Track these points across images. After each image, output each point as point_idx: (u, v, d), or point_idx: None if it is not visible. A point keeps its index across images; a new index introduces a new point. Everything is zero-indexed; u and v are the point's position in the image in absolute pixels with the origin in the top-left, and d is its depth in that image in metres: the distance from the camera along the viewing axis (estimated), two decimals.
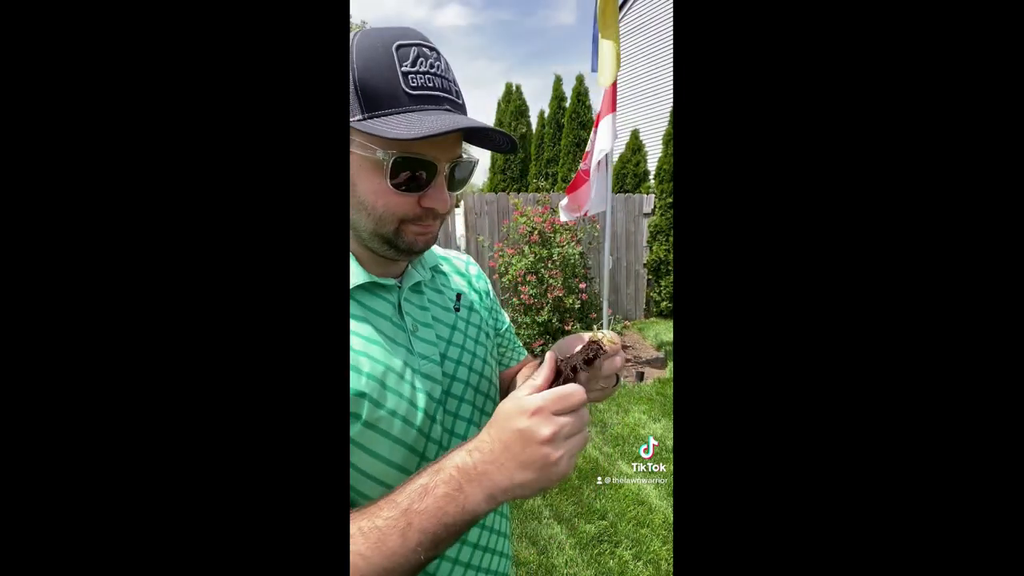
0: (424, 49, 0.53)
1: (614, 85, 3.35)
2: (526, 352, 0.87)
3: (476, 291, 0.78)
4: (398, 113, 0.51)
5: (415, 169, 0.53)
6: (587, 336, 0.57)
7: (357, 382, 0.54)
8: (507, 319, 0.85)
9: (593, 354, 0.53)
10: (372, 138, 0.52)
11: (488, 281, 0.83)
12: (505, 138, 0.58)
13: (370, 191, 0.54)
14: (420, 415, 0.58)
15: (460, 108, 0.56)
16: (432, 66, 0.53)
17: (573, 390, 0.47)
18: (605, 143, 3.34)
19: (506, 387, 0.82)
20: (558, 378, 0.51)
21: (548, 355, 0.52)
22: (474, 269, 0.81)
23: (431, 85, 0.52)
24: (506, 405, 0.48)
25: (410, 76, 0.51)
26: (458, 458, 0.47)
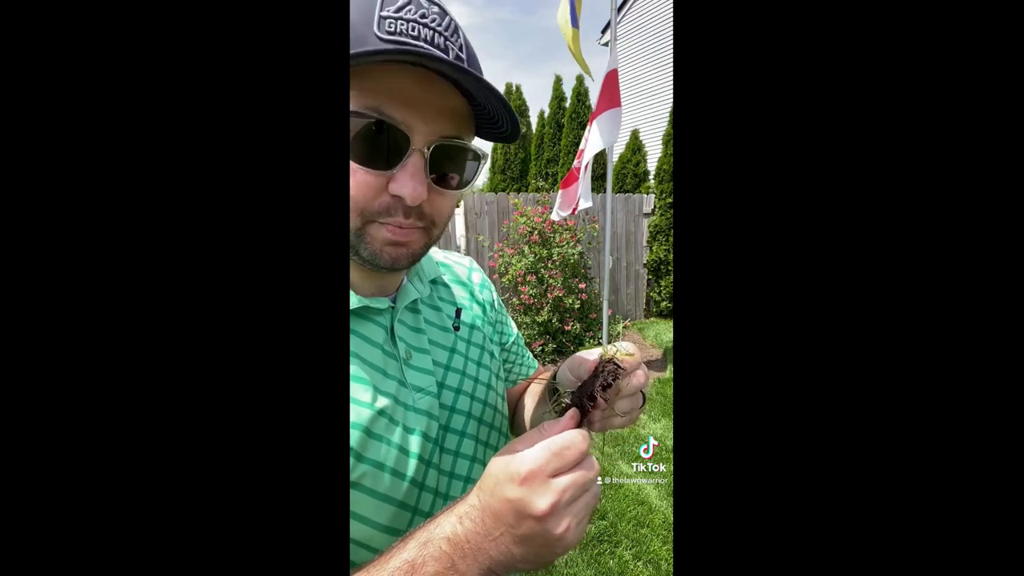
0: (421, 0, 0.43)
1: (615, 77, 3.30)
2: (536, 363, 0.76)
3: (479, 303, 0.67)
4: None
5: (375, 134, 0.41)
6: (597, 353, 0.46)
7: None
8: (514, 329, 0.73)
9: (611, 376, 0.44)
10: None
11: (493, 289, 0.72)
12: (503, 108, 0.45)
13: None
14: (413, 462, 0.49)
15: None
16: (423, 16, 0.42)
17: (571, 440, 0.38)
18: (606, 138, 3.31)
19: (514, 405, 0.71)
20: (581, 416, 0.43)
21: (572, 411, 0.42)
22: (477, 277, 0.70)
23: (413, 34, 0.41)
24: (495, 464, 0.39)
25: (387, 21, 0.40)
26: (448, 527, 0.39)
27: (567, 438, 0.39)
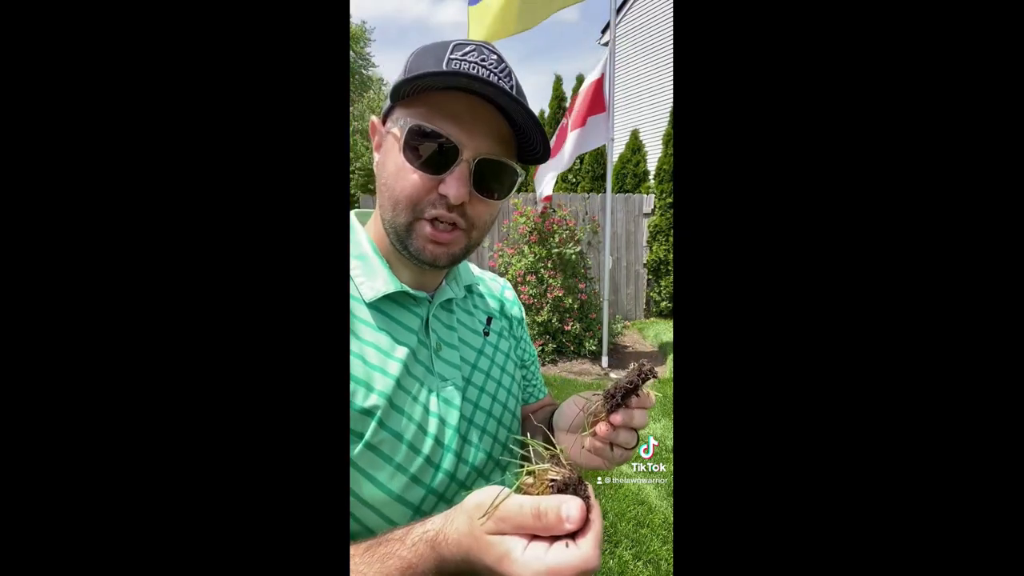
0: (485, 49, 0.53)
1: (601, 85, 3.37)
2: (546, 390, 0.81)
3: (508, 317, 0.74)
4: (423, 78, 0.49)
5: (432, 145, 0.51)
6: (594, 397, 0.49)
7: (366, 398, 0.50)
8: (535, 351, 0.80)
9: (643, 378, 0.46)
10: (401, 109, 0.52)
11: (522, 308, 0.79)
12: (538, 133, 0.54)
13: (393, 170, 0.52)
14: (430, 442, 0.54)
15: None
16: (483, 60, 0.51)
17: (571, 566, 0.32)
18: (592, 143, 3.39)
19: (519, 425, 0.74)
20: (611, 404, 0.47)
21: (577, 503, 0.35)
22: (510, 294, 0.77)
23: (474, 72, 0.49)
24: (473, 545, 0.36)
25: (453, 61, 0.50)
26: (438, 553, 0.39)
27: (573, 564, 0.33)
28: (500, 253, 4.77)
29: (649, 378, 0.47)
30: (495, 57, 0.53)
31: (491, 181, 0.54)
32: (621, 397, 0.47)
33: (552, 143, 3.65)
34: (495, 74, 0.51)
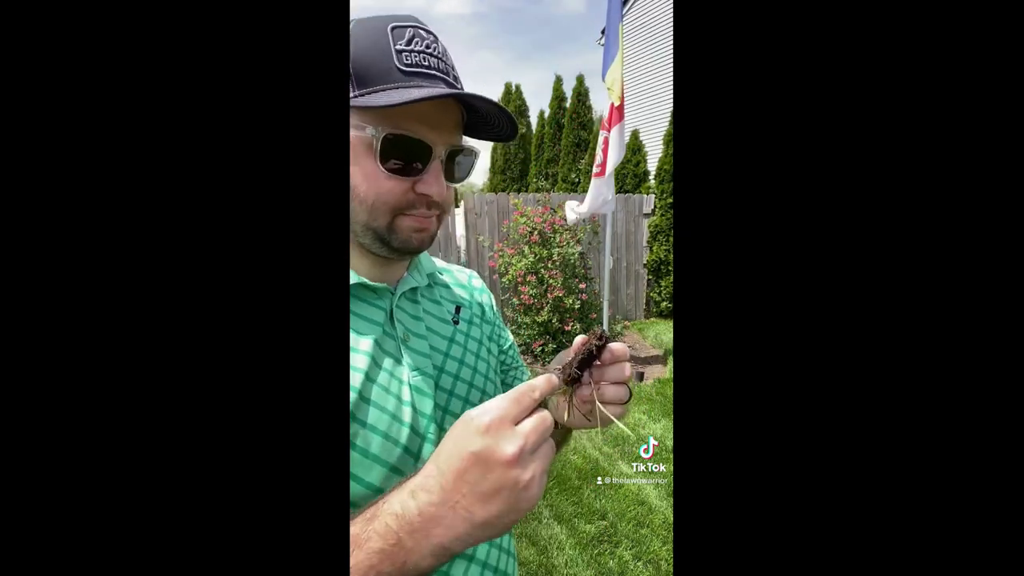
0: (420, 31, 0.52)
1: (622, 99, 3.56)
2: (529, 373, 0.80)
3: (479, 304, 0.74)
4: (390, 88, 0.49)
5: (407, 149, 0.51)
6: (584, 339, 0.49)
7: None
8: (511, 337, 0.79)
9: (601, 341, 0.47)
10: (363, 114, 0.50)
11: (492, 297, 0.79)
12: (504, 117, 0.55)
13: (362, 176, 0.51)
14: (406, 431, 0.53)
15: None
16: (428, 47, 0.52)
17: (530, 384, 0.40)
18: (620, 152, 3.61)
19: None
20: (570, 377, 0.46)
21: (547, 375, 0.42)
22: (477, 283, 0.78)
23: (426, 64, 0.51)
24: (454, 428, 0.40)
25: (404, 54, 0.50)
26: (397, 504, 0.40)
27: (527, 384, 0.41)
28: (500, 253, 4.77)
29: (604, 343, 0.47)
30: (432, 37, 0.53)
31: (456, 168, 0.57)
32: (578, 367, 0.47)
33: (600, 161, 3.72)
34: (442, 60, 0.52)
